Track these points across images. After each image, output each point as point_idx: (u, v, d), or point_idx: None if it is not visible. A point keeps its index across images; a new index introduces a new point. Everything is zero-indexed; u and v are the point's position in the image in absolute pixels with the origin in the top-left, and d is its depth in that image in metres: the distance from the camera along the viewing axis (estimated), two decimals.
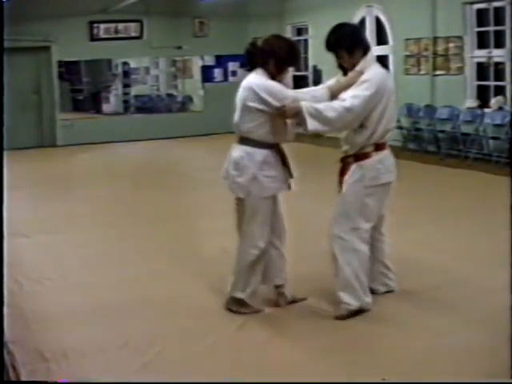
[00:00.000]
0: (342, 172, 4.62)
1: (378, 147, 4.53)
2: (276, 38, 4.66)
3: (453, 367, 3.82)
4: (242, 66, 16.32)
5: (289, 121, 4.50)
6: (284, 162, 4.58)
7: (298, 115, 4.34)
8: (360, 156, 4.52)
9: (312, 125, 4.29)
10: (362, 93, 4.34)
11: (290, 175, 4.63)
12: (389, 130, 4.57)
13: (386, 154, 4.59)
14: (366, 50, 4.58)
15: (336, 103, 4.36)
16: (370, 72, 4.46)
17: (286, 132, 4.55)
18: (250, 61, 4.57)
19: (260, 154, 4.46)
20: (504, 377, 3.42)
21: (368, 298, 4.61)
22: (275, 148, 4.53)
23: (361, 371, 3.83)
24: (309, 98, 4.42)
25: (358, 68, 4.50)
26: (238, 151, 4.51)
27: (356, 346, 4.17)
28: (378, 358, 3.98)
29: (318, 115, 4.29)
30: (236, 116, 4.52)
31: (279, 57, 4.46)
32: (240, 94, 4.49)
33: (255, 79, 4.45)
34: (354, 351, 4.09)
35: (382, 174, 4.53)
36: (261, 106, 4.37)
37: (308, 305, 4.79)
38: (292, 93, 4.47)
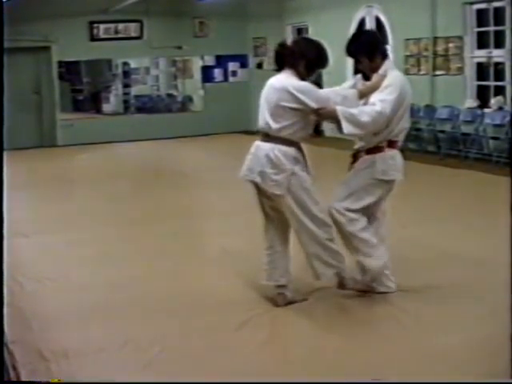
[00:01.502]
0: (353, 163, 4.82)
1: (391, 144, 4.73)
2: (306, 41, 4.95)
3: (453, 367, 3.81)
4: (242, 66, 16.34)
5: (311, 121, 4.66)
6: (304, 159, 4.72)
7: (333, 118, 4.53)
8: (373, 149, 4.71)
9: (347, 128, 4.48)
10: (388, 97, 4.56)
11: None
12: (403, 130, 4.81)
13: (397, 152, 4.79)
14: (384, 54, 4.81)
15: (367, 108, 4.55)
16: (392, 76, 4.67)
17: (308, 132, 4.70)
18: (279, 61, 4.67)
19: (292, 150, 4.57)
20: (504, 377, 3.41)
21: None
22: (299, 146, 4.66)
23: (360, 371, 3.82)
24: (340, 99, 4.56)
25: (381, 71, 4.69)
26: (269, 149, 4.55)
27: (355, 346, 4.16)
28: (378, 358, 3.97)
29: (352, 119, 4.47)
30: (266, 115, 4.58)
31: (309, 59, 4.60)
32: (271, 95, 4.56)
33: (289, 80, 4.54)
34: (354, 351, 4.08)
35: (392, 170, 4.72)
36: (297, 106, 4.48)
37: (308, 304, 4.79)
38: (326, 94, 4.62)
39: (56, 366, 3.96)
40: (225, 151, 13.16)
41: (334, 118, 4.50)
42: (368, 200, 4.73)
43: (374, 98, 4.57)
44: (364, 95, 4.66)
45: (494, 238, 5.94)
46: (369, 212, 4.80)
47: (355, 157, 4.82)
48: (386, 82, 4.61)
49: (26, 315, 4.81)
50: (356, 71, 4.94)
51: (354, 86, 4.85)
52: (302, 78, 4.58)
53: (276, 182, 4.52)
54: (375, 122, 4.51)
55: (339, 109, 4.47)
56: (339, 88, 4.88)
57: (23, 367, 3.93)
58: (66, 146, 14.89)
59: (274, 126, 4.53)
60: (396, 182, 4.82)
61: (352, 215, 4.71)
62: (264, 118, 4.60)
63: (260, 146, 4.61)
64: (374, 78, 4.69)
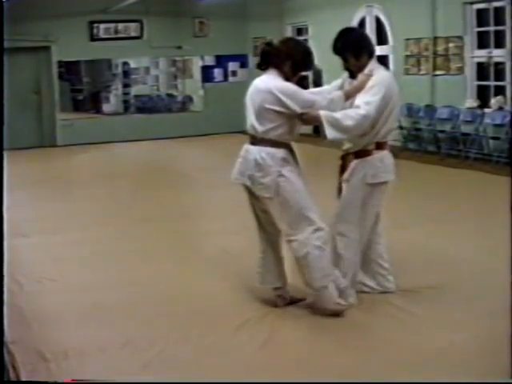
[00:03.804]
0: (342, 169, 4.76)
1: (380, 146, 4.66)
2: (293, 42, 4.84)
3: (453, 367, 3.81)
4: (242, 66, 16.33)
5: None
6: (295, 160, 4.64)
7: (316, 123, 4.48)
8: (361, 153, 4.65)
9: (331, 134, 4.40)
10: (373, 98, 4.47)
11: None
12: (391, 130, 4.73)
13: (386, 153, 4.72)
14: (371, 53, 4.73)
15: (352, 111, 4.46)
16: (378, 76, 4.59)
17: (295, 132, 4.62)
18: (265, 60, 4.60)
19: (280, 152, 4.47)
20: (504, 377, 3.42)
21: (351, 299, 4.70)
22: (289, 147, 4.58)
23: (360, 371, 3.82)
24: (327, 102, 4.49)
25: (366, 71, 4.62)
26: (256, 152, 4.48)
27: (355, 346, 4.16)
28: (378, 358, 3.97)
29: (336, 124, 4.40)
30: (251, 117, 4.52)
31: (296, 60, 4.52)
32: (255, 96, 4.50)
33: (273, 81, 4.47)
34: (354, 351, 4.08)
35: (382, 172, 4.65)
36: (280, 109, 4.40)
37: (306, 305, 4.77)
38: (311, 96, 4.54)
39: (56, 366, 3.95)
40: (224, 151, 13.06)
41: (318, 123, 4.43)
42: (371, 209, 4.71)
43: (359, 99, 4.49)
44: (349, 96, 4.58)
45: (494, 237, 5.94)
46: (373, 220, 4.79)
47: (344, 159, 4.75)
48: (371, 82, 4.53)
49: (26, 315, 4.80)
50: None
51: (341, 85, 4.80)
52: (287, 79, 4.50)
53: (263, 184, 4.45)
54: (359, 125, 4.43)
55: (323, 114, 4.38)
56: (328, 87, 4.85)
57: (23, 367, 3.93)
58: (66, 145, 14.87)
59: (260, 128, 4.45)
60: (388, 183, 4.77)
61: (352, 237, 4.68)
62: (250, 120, 4.53)
63: (249, 150, 4.54)
64: (359, 77, 4.62)
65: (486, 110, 10.72)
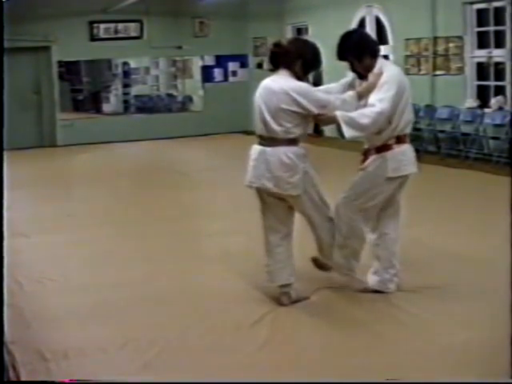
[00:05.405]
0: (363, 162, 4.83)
1: (400, 139, 4.71)
2: (302, 41, 4.99)
3: (453, 367, 3.81)
4: (242, 66, 16.32)
5: None
6: None
7: (333, 123, 4.55)
8: (382, 148, 4.69)
9: (348, 133, 4.47)
10: (386, 95, 4.53)
11: None
12: (409, 122, 4.78)
13: (408, 146, 4.77)
14: (374, 52, 4.77)
15: (367, 110, 4.53)
16: (388, 73, 4.65)
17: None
18: (274, 61, 4.63)
19: (300, 149, 4.59)
20: (504, 377, 3.41)
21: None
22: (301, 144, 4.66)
23: (361, 371, 3.82)
24: (340, 102, 4.55)
25: (376, 70, 4.67)
26: (281, 153, 4.52)
27: (356, 346, 4.16)
28: (379, 358, 3.97)
29: (353, 123, 4.47)
30: (266, 119, 4.52)
31: (306, 59, 4.58)
32: (269, 97, 4.52)
33: (287, 82, 4.51)
34: (354, 351, 4.09)
35: (404, 165, 4.71)
36: (297, 109, 4.46)
37: (309, 304, 4.79)
38: (325, 96, 4.60)
39: (56, 366, 3.96)
40: (225, 151, 13.16)
41: (335, 123, 4.50)
42: (378, 199, 4.75)
43: (373, 97, 4.55)
44: (363, 95, 4.64)
45: (494, 237, 5.95)
46: (377, 208, 4.84)
47: (365, 155, 4.80)
48: (382, 80, 4.59)
49: (26, 315, 4.80)
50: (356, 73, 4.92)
51: (351, 83, 4.85)
52: (298, 78, 4.55)
53: (292, 183, 4.52)
54: (375, 122, 4.49)
55: (339, 114, 4.45)
56: (336, 84, 4.90)
57: (23, 367, 3.93)
58: (66, 145, 14.87)
59: (279, 128, 4.49)
60: (410, 175, 4.82)
61: (356, 215, 4.73)
62: (265, 122, 4.53)
63: (268, 152, 4.54)
64: (371, 77, 4.66)
65: (486, 110, 10.72)
